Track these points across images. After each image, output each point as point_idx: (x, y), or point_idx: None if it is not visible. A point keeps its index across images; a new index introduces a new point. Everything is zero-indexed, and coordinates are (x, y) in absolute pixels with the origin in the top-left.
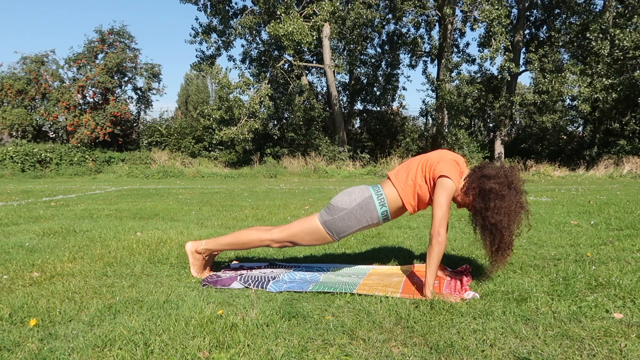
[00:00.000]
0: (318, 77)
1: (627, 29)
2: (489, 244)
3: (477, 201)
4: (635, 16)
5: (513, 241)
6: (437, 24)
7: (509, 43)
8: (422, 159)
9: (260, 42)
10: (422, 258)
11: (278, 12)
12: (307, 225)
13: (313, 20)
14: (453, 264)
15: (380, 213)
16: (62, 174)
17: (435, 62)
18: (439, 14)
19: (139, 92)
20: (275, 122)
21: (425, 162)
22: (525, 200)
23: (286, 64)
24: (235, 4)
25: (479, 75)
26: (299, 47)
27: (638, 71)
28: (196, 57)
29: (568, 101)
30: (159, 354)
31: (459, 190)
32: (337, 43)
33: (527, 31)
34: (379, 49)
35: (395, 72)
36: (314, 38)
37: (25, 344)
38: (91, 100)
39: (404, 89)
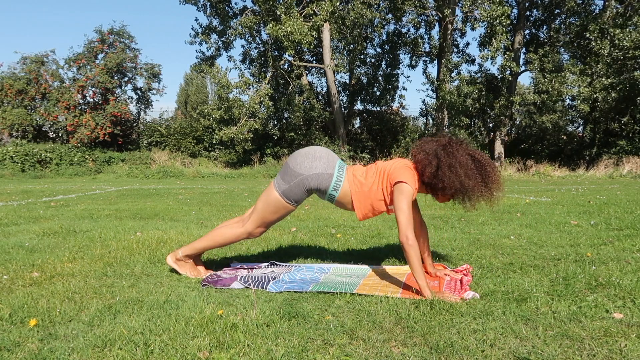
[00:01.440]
0: (318, 77)
1: (627, 29)
2: (475, 200)
3: (444, 191)
4: (636, 16)
5: (485, 177)
6: (437, 24)
7: (509, 43)
8: (380, 169)
9: (260, 42)
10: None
11: (278, 12)
12: (271, 202)
13: (313, 20)
14: (453, 264)
15: (329, 194)
16: (62, 174)
17: (435, 62)
18: (439, 14)
19: (139, 92)
20: (275, 122)
21: (383, 172)
22: (447, 144)
23: (286, 64)
24: (235, 4)
25: (479, 75)
26: (299, 47)
27: (638, 71)
28: (196, 57)
29: (568, 101)
30: (159, 354)
31: (431, 192)
32: (337, 43)
33: (527, 31)
34: (379, 49)
35: (395, 72)
36: (314, 38)
37: (25, 344)
38: (91, 100)
39: (404, 89)
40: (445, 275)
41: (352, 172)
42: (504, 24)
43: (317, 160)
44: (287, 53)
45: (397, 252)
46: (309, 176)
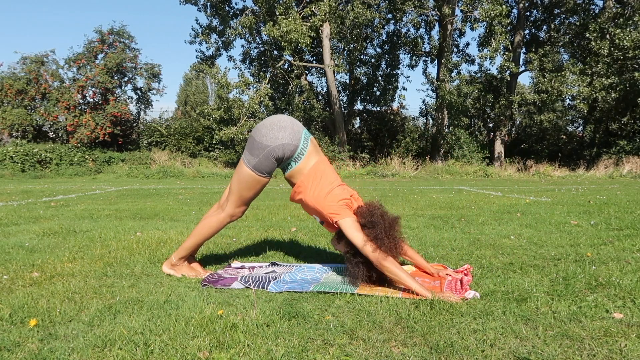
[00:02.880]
0: (318, 77)
1: (627, 29)
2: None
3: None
4: (636, 16)
5: (369, 278)
6: (437, 24)
7: (508, 43)
8: (326, 192)
9: (260, 42)
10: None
11: (277, 13)
12: (243, 180)
13: (312, 20)
14: (453, 264)
15: (288, 165)
16: (62, 174)
17: (435, 62)
18: (439, 14)
19: (139, 92)
20: None
21: (324, 198)
22: (388, 226)
23: (286, 64)
24: (235, 4)
25: (479, 75)
26: (297, 48)
27: (638, 72)
28: (196, 57)
29: (568, 101)
30: (159, 354)
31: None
32: (337, 43)
33: (527, 31)
34: (379, 49)
35: (395, 72)
36: (312, 39)
37: (25, 344)
38: (91, 100)
39: (404, 89)
40: (447, 275)
41: (321, 162)
42: (503, 23)
43: (282, 131)
44: (284, 52)
45: None
46: (275, 147)
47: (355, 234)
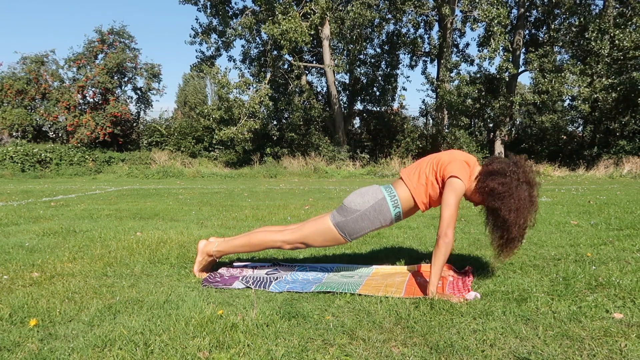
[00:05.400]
0: (318, 77)
1: (627, 29)
2: (497, 239)
3: (488, 200)
4: (635, 17)
5: (523, 235)
6: (436, 24)
7: (507, 43)
8: (434, 159)
9: (260, 42)
10: (422, 258)
11: (277, 12)
12: (320, 227)
13: (311, 18)
14: (453, 264)
15: (394, 214)
16: (62, 174)
17: (435, 62)
18: (439, 14)
19: (139, 92)
20: (275, 122)
21: (437, 161)
22: (535, 194)
23: (286, 64)
24: (235, 4)
25: (478, 75)
26: (298, 48)
27: (638, 72)
28: (196, 57)
29: (568, 101)
30: (159, 354)
31: (470, 190)
32: (337, 43)
33: (526, 31)
34: (378, 49)
35: (394, 72)
36: (312, 39)
37: (25, 344)
38: (91, 100)
39: (404, 89)
40: (449, 275)
41: (407, 176)
42: (503, 24)
43: (364, 195)
44: (283, 51)
45: (397, 253)
46: (366, 210)
47: (452, 198)
